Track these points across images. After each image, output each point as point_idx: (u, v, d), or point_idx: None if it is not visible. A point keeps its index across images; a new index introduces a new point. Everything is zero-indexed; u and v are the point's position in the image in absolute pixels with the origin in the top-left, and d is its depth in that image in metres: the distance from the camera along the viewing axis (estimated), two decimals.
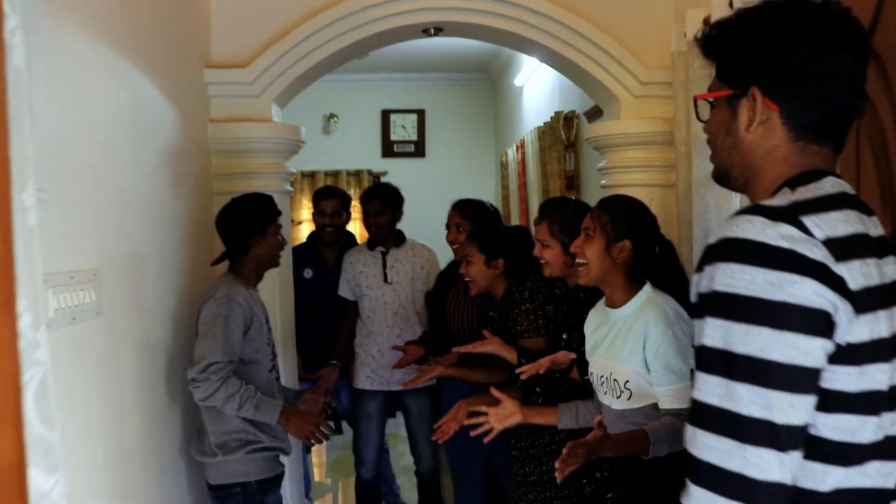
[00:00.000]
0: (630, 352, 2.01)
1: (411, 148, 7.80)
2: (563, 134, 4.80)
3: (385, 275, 3.73)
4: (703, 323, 1.05)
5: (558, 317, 2.65)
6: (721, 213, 2.67)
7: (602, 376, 2.12)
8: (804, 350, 0.99)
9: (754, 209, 1.07)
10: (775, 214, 1.04)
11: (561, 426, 2.31)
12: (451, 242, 3.37)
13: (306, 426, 2.62)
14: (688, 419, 1.07)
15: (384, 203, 3.73)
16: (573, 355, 2.33)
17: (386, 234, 3.76)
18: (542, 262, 2.53)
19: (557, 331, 2.62)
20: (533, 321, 2.75)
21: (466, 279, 2.95)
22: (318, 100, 6.91)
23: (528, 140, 5.74)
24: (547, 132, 5.14)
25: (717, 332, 1.02)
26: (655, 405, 2.00)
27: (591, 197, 4.29)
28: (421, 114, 7.78)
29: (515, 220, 6.20)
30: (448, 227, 3.42)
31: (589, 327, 2.23)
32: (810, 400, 1.01)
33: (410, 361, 3.31)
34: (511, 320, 2.80)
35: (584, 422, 2.28)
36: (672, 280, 2.10)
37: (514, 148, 6.33)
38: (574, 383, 2.45)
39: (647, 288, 2.07)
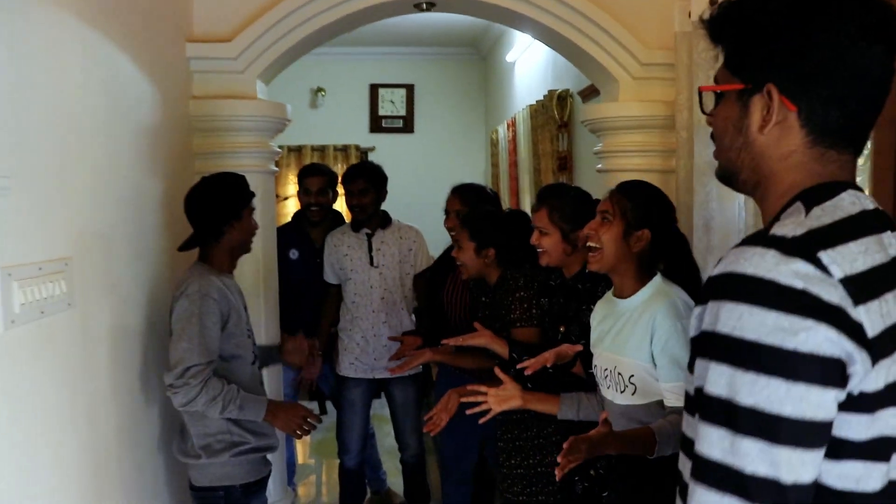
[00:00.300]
0: (636, 345, 1.93)
1: (400, 123, 7.68)
2: (556, 113, 4.68)
3: (371, 258, 3.62)
4: (707, 365, 0.94)
5: (554, 309, 2.56)
6: (723, 202, 2.59)
7: (606, 369, 2.04)
8: (816, 402, 0.88)
9: (767, 240, 0.94)
10: (790, 248, 0.92)
11: (560, 416, 2.24)
12: (449, 229, 3.27)
13: (293, 419, 2.51)
14: (690, 471, 0.97)
15: (368, 182, 3.60)
16: (578, 348, 2.24)
17: (370, 215, 3.63)
18: (539, 250, 2.43)
19: (554, 323, 2.53)
20: (526, 310, 2.66)
21: (458, 263, 2.87)
22: (305, 73, 6.74)
23: (520, 118, 5.62)
24: (539, 111, 5.02)
25: (722, 379, 0.92)
26: (661, 403, 1.92)
27: (585, 180, 4.19)
28: (410, 89, 7.64)
29: (505, 199, 6.10)
30: (447, 212, 3.31)
31: (595, 318, 2.15)
32: (821, 454, 0.91)
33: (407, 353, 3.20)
34: (504, 308, 2.72)
35: (585, 415, 2.21)
36: (683, 272, 2.02)
37: (505, 126, 6.21)
38: (576, 378, 2.36)
39: (658, 279, 1.99)
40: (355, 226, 3.66)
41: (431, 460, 4.09)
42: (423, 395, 3.90)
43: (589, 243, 2.04)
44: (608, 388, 2.04)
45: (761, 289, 0.90)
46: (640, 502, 2.01)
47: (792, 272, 0.90)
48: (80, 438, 2.00)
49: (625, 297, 2.01)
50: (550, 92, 4.80)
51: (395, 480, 4.31)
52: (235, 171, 2.66)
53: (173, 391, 2.30)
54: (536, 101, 5.11)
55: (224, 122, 3.10)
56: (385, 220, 3.70)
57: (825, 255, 0.91)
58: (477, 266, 2.82)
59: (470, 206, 3.18)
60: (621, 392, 1.98)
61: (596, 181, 3.37)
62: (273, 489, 3.24)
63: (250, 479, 2.49)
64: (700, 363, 0.96)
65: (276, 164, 3.44)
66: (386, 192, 3.69)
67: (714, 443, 0.91)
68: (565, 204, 2.41)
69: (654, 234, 1.98)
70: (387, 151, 7.30)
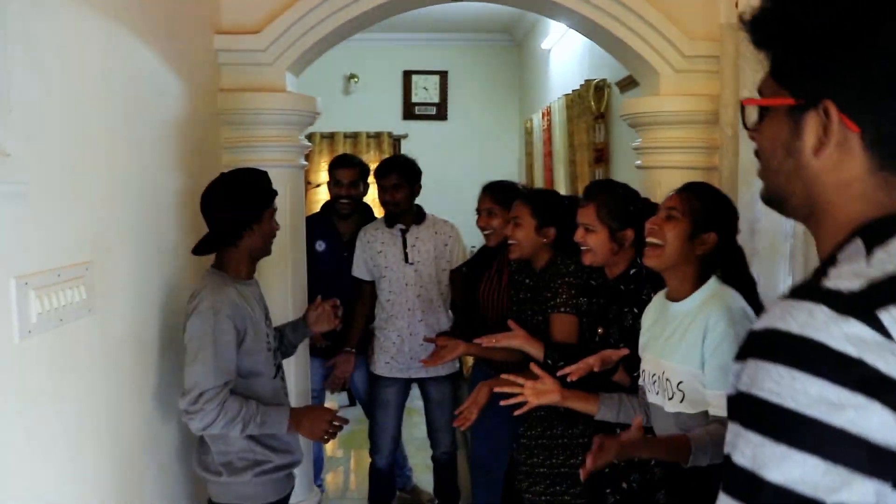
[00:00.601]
0: (687, 350, 1.85)
1: (433, 110, 7.60)
2: (592, 104, 4.55)
3: (406, 254, 3.53)
4: (738, 430, 0.81)
5: (593, 309, 2.47)
6: None
7: (654, 375, 1.96)
8: (859, 492, 0.73)
9: (818, 294, 0.79)
10: (845, 305, 0.76)
11: (599, 417, 2.16)
12: (482, 228, 3.18)
13: (319, 425, 2.39)
14: None
15: (401, 177, 3.50)
16: (623, 352, 2.15)
17: (403, 210, 3.54)
18: (583, 248, 2.34)
19: (592, 324, 2.44)
20: (572, 296, 2.57)
21: (510, 242, 2.76)
22: (337, 59, 6.63)
23: (555, 108, 5.50)
24: (575, 101, 4.90)
25: (749, 449, 0.78)
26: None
27: (622, 173, 4.07)
28: (443, 75, 7.55)
29: None
30: (479, 211, 3.21)
31: (646, 321, 2.07)
32: None
33: None
34: (550, 290, 2.63)
35: (625, 417, 2.14)
36: (736, 285, 1.92)
37: (540, 115, 6.09)
38: (616, 384, 2.27)
39: (713, 281, 1.91)
40: (389, 221, 3.57)
41: (461, 458, 4.02)
42: (456, 391, 3.83)
43: (650, 239, 1.95)
44: (656, 394, 1.96)
45: (808, 352, 0.76)
46: None
47: (845, 336, 0.75)
48: (101, 450, 1.95)
49: (678, 301, 1.94)
50: (587, 82, 4.67)
51: (422, 477, 4.26)
52: (263, 165, 2.56)
53: (189, 417, 2.19)
54: (573, 91, 4.99)
55: (252, 115, 3.04)
56: (419, 216, 3.60)
57: (886, 315, 0.75)
58: (533, 245, 2.71)
59: (501, 203, 3.09)
60: (669, 399, 1.91)
61: (634, 175, 3.25)
62: (298, 488, 3.19)
63: (272, 499, 2.38)
64: (732, 427, 0.83)
65: (306, 157, 3.38)
66: (420, 186, 3.60)
67: None
68: (614, 201, 2.32)
69: (718, 239, 1.91)
70: (420, 139, 7.23)
